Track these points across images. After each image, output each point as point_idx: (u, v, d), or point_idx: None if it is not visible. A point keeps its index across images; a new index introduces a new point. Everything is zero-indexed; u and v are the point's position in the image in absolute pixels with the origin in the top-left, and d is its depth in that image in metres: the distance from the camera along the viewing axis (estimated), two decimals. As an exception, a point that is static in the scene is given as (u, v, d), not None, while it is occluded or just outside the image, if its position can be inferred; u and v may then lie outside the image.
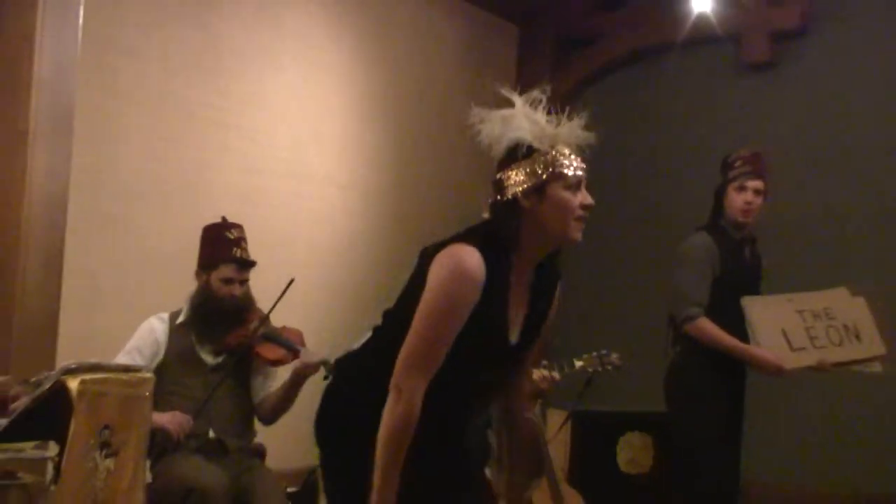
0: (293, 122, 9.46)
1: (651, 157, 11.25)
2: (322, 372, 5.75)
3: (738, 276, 6.04)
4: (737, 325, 5.88)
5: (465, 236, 3.58)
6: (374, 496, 3.42)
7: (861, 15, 10.69)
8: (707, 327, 5.85)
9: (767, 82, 11.01)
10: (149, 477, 4.88)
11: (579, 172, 3.56)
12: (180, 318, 5.78)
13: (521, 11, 11.31)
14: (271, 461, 5.80)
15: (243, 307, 5.78)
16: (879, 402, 9.55)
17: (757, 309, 5.93)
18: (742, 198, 6.02)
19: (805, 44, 10.92)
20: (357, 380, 3.77)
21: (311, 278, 6.17)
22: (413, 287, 3.61)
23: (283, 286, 5.67)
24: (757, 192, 6.05)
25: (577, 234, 3.59)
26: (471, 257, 3.46)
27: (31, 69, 7.23)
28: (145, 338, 5.73)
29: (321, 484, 3.89)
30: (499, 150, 3.60)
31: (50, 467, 4.60)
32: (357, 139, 10.08)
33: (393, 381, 3.46)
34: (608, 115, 11.51)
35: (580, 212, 3.56)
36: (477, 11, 11.09)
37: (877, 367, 6.06)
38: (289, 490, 5.57)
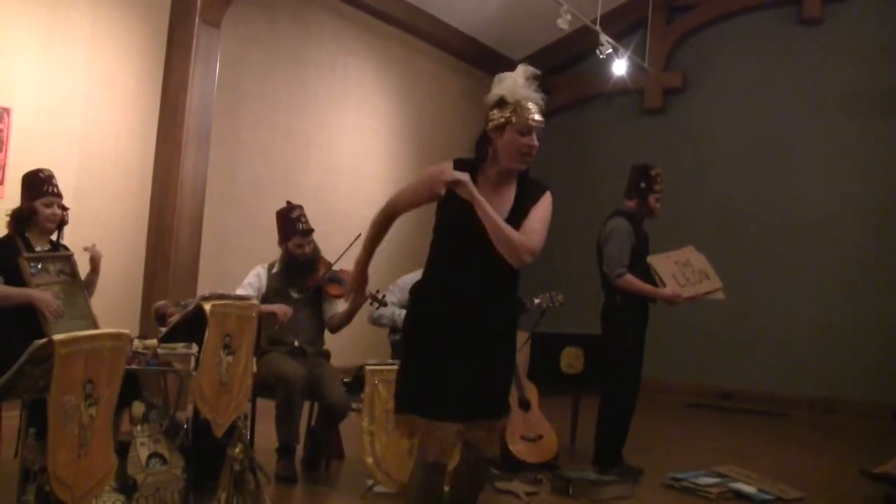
0: (352, 140, 9.47)
1: (586, 168, 11.24)
2: (368, 301, 5.78)
3: (642, 244, 6.00)
4: (642, 273, 5.86)
5: (455, 158, 3.60)
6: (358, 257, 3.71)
7: (724, 79, 10.75)
8: (632, 281, 5.82)
9: (660, 123, 11.07)
10: (254, 367, 4.85)
11: (531, 123, 3.43)
12: (275, 269, 5.76)
13: (502, 70, 11.16)
14: (334, 360, 5.78)
15: (313, 259, 5.75)
16: (724, 315, 9.63)
17: (656, 263, 5.95)
18: (654, 198, 5.98)
19: (685, 97, 11.01)
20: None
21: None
22: None
23: (345, 246, 5.63)
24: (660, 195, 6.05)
25: (520, 165, 3.49)
26: (442, 163, 3.52)
27: (185, 103, 7.26)
28: (253, 278, 5.71)
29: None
30: (490, 99, 3.52)
31: (192, 360, 4.58)
32: (393, 152, 10.09)
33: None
34: (558, 142, 11.58)
35: (524, 150, 3.45)
36: (473, 70, 11.02)
37: (720, 295, 6.12)
38: (344, 380, 5.53)
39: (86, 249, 5.02)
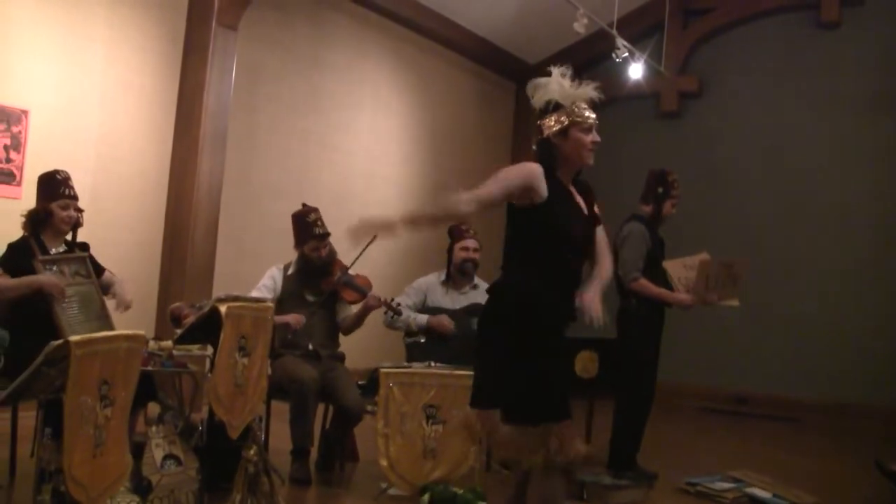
0: (368, 143, 9.47)
1: (602, 172, 11.18)
2: (383, 310, 5.79)
3: (658, 248, 5.99)
4: (658, 278, 5.85)
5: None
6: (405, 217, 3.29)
7: (740, 83, 10.71)
8: (646, 285, 5.81)
9: (676, 127, 11.05)
10: (269, 370, 4.85)
11: (591, 119, 3.58)
12: (290, 270, 5.76)
13: (517, 73, 11.22)
14: (349, 363, 5.78)
15: (329, 261, 5.75)
16: (739, 319, 9.58)
17: (671, 268, 5.94)
18: (672, 208, 5.99)
19: (701, 102, 10.97)
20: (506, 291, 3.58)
21: (377, 244, 6.15)
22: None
23: (361, 249, 5.64)
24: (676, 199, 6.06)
25: (590, 160, 3.60)
26: (532, 165, 3.48)
27: (202, 105, 7.27)
28: (268, 280, 5.72)
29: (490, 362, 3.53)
30: (539, 105, 3.61)
31: (208, 362, 4.59)
32: (408, 154, 10.09)
33: (466, 196, 3.32)
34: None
35: (591, 146, 3.57)
36: (489, 73, 11.04)
37: (735, 302, 6.08)
38: (359, 383, 5.53)
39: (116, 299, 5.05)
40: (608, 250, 3.74)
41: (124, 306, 5.04)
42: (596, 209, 3.68)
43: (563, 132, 3.53)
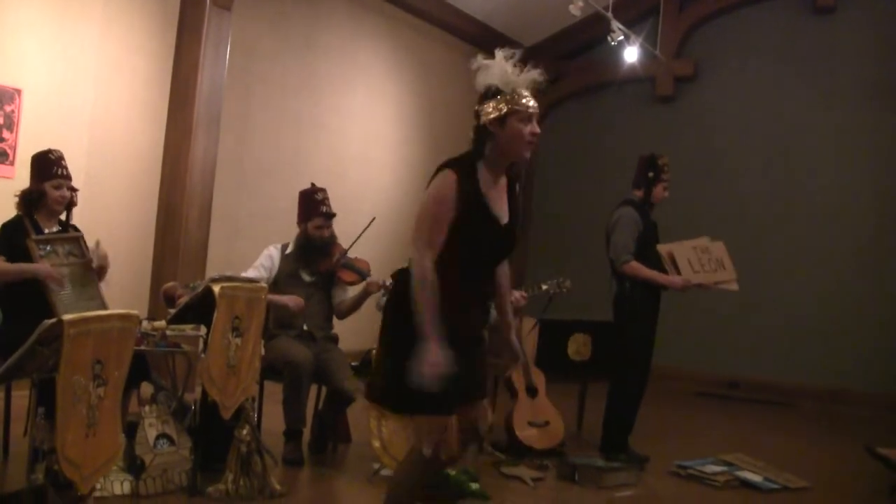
0: (362, 125, 9.46)
1: (596, 156, 11.23)
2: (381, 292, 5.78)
3: (650, 232, 6.01)
4: (651, 262, 5.86)
5: (449, 161, 3.45)
6: (426, 325, 3.17)
7: (736, 68, 10.71)
8: (638, 267, 5.83)
9: (671, 111, 11.05)
10: (262, 351, 4.87)
11: (531, 109, 3.36)
12: (288, 250, 5.75)
13: (512, 57, 11.16)
14: (342, 344, 5.78)
15: (329, 243, 5.75)
16: (732, 304, 9.60)
17: (674, 249, 5.98)
18: (661, 187, 5.99)
19: (696, 85, 10.97)
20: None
21: (373, 226, 6.16)
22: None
23: (356, 231, 5.65)
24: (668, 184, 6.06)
25: (526, 154, 3.40)
26: (446, 179, 3.33)
27: (195, 86, 7.26)
28: (265, 259, 5.71)
29: (382, 349, 3.49)
30: (479, 89, 3.47)
31: (201, 342, 4.60)
32: (402, 137, 10.08)
33: (411, 255, 3.27)
34: (568, 129, 11.52)
35: (529, 138, 3.36)
36: (484, 55, 10.96)
37: (734, 286, 6.12)
38: (352, 364, 5.54)
39: (92, 251, 4.96)
40: (506, 278, 3.65)
41: (102, 265, 4.96)
42: (516, 207, 3.52)
43: (501, 120, 3.35)
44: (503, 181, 3.50)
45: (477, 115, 3.44)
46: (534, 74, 3.43)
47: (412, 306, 3.26)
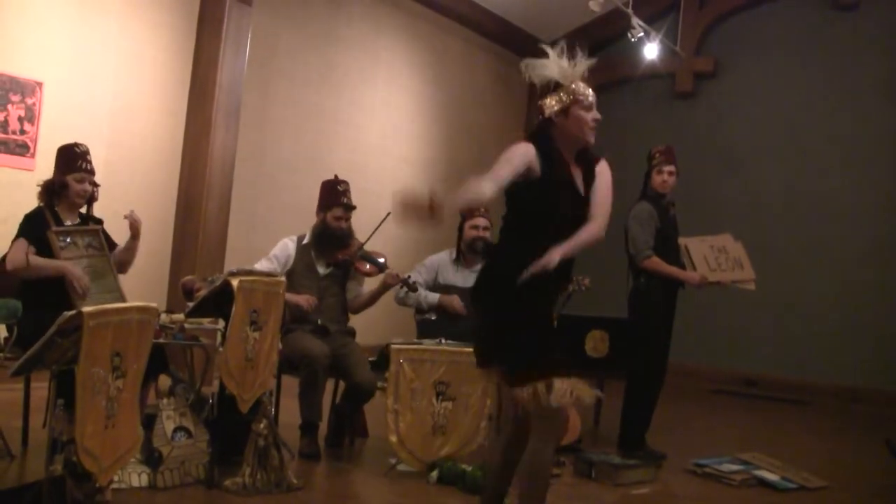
0: (382, 120, 9.46)
1: (615, 152, 11.15)
2: (399, 286, 5.77)
3: (667, 228, 5.99)
4: (668, 257, 5.86)
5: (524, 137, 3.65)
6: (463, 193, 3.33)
7: (756, 64, 10.64)
8: (658, 263, 5.83)
9: (691, 107, 11.01)
10: (280, 345, 4.87)
11: (591, 97, 3.61)
12: (305, 241, 5.75)
13: (532, 51, 11.15)
14: (359, 338, 5.78)
15: (347, 235, 5.73)
16: (750, 301, 9.55)
17: (690, 245, 5.98)
18: (660, 178, 5.99)
19: (716, 81, 10.93)
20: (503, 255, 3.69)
21: (391, 220, 6.17)
22: None
23: (374, 224, 5.63)
24: (670, 173, 6.02)
25: (591, 138, 3.64)
26: (524, 144, 3.54)
27: (215, 80, 7.28)
28: (281, 250, 5.70)
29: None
30: (539, 85, 3.69)
31: (219, 335, 4.60)
32: (421, 131, 10.07)
33: (486, 182, 3.36)
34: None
35: (592, 123, 3.61)
36: (503, 50, 10.97)
37: (751, 286, 6.17)
38: (370, 359, 5.53)
39: (126, 217, 5.03)
40: (602, 215, 3.67)
41: (135, 228, 5.04)
42: (599, 182, 3.68)
43: (565, 111, 3.59)
44: (575, 164, 3.69)
45: (541, 109, 3.67)
46: (586, 63, 3.66)
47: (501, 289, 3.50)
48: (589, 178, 3.69)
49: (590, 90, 3.62)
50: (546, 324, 3.61)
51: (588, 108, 3.60)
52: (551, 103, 3.62)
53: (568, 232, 3.55)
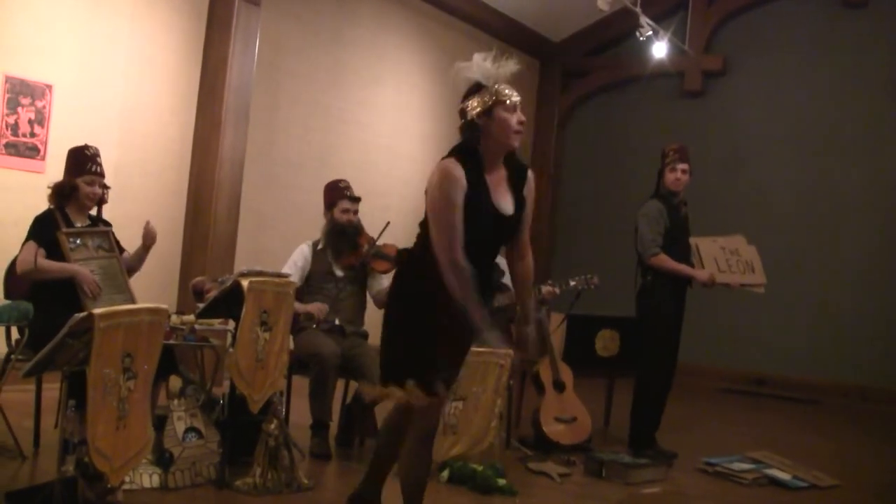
0: (390, 119, 9.47)
1: (624, 151, 11.18)
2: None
3: (678, 226, 5.99)
4: (678, 256, 5.85)
5: (448, 154, 3.58)
6: (472, 313, 3.35)
7: (765, 63, 10.61)
8: (665, 260, 5.83)
9: (700, 106, 10.98)
10: (291, 345, 4.87)
11: (515, 99, 3.50)
12: (319, 246, 5.76)
13: (541, 51, 11.19)
14: (372, 339, 5.78)
15: (357, 229, 5.75)
16: (760, 301, 9.52)
17: (701, 245, 5.97)
18: (673, 175, 5.98)
19: (725, 80, 10.89)
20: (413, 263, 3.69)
21: (401, 216, 6.14)
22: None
23: (384, 223, 5.64)
24: (683, 171, 6.00)
25: (516, 143, 3.52)
26: (450, 164, 3.47)
27: (224, 80, 7.28)
28: (298, 257, 5.71)
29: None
30: (462, 88, 3.60)
31: (230, 336, 4.61)
32: (430, 131, 10.06)
33: (445, 260, 3.37)
34: (596, 123, 11.49)
35: (517, 126, 3.49)
36: (513, 50, 10.81)
37: (761, 290, 6.19)
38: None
39: (145, 227, 5.06)
40: (529, 271, 3.73)
41: (150, 238, 5.07)
42: (526, 193, 3.61)
43: (488, 112, 3.48)
44: (503, 173, 3.59)
45: (462, 112, 3.58)
46: (511, 66, 3.54)
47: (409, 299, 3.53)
48: (519, 184, 3.59)
49: (514, 92, 3.52)
50: (425, 338, 3.52)
51: (511, 110, 3.48)
52: (473, 105, 3.52)
53: (488, 249, 3.58)
